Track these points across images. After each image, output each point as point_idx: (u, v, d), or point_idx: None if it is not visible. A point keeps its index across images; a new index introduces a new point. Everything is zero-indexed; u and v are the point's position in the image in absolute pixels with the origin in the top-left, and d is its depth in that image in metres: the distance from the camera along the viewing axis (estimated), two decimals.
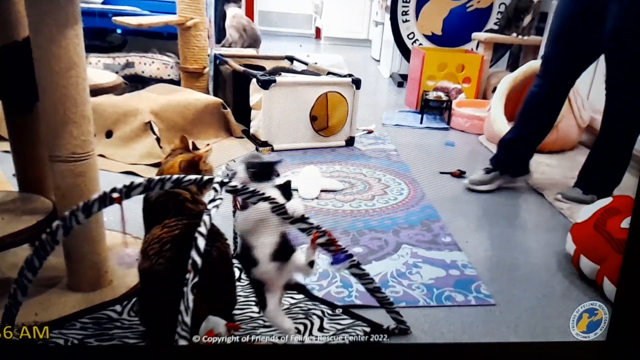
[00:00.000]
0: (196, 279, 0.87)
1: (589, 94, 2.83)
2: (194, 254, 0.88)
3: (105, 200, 0.94)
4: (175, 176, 0.96)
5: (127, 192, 0.95)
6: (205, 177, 0.99)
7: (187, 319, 0.86)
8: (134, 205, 1.08)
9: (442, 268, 1.48)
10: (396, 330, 1.16)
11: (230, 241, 1.14)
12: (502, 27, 3.79)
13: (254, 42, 4.15)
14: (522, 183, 2.26)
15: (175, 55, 3.04)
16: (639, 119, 1.91)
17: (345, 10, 6.96)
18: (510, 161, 2.13)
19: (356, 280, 1.11)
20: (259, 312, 1.20)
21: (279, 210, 1.00)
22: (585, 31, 1.86)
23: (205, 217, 0.93)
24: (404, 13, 4.17)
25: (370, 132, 2.91)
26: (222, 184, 0.97)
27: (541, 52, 3.55)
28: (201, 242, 0.90)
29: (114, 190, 0.94)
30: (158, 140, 2.19)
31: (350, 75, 2.61)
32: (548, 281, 1.47)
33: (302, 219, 1.01)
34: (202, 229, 0.91)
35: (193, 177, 0.98)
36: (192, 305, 0.87)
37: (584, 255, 1.42)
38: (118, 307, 1.18)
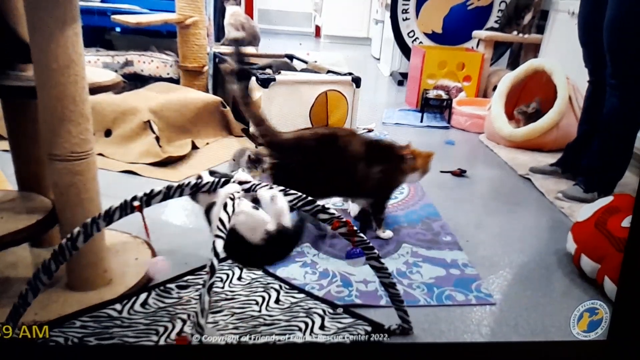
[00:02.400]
0: (212, 280, 0.87)
1: None
2: (212, 256, 0.89)
3: (127, 208, 0.95)
4: (193, 182, 0.98)
5: (147, 200, 0.96)
6: (223, 179, 1.01)
7: (203, 321, 0.86)
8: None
9: (442, 267, 1.47)
10: (397, 330, 1.15)
11: None
12: (503, 26, 3.78)
13: (253, 39, 4.15)
14: (524, 181, 2.26)
15: (174, 53, 3.03)
16: (639, 115, 1.91)
17: (345, 8, 6.96)
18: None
19: (374, 274, 1.10)
20: (259, 310, 1.20)
21: (301, 202, 1.00)
22: (597, 28, 1.89)
23: (224, 216, 0.94)
24: (404, 11, 4.16)
25: (370, 130, 2.91)
26: (240, 182, 1.00)
27: (542, 50, 3.55)
28: (219, 245, 0.89)
29: (134, 198, 0.95)
30: (157, 139, 2.18)
31: (350, 74, 2.61)
32: (548, 280, 1.47)
33: (323, 209, 1.01)
34: (221, 232, 0.91)
35: (211, 179, 1.00)
36: (207, 307, 0.87)
37: (584, 254, 1.42)
38: (118, 306, 1.18)
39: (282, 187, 1.00)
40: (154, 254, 1.40)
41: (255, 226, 0.99)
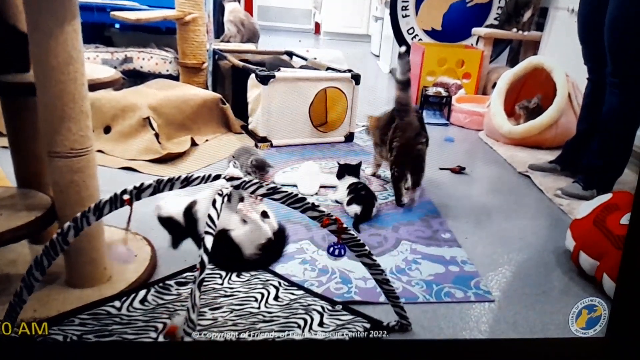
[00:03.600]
0: (203, 276, 0.88)
1: None
2: (202, 252, 0.89)
3: (116, 201, 0.95)
4: (183, 176, 0.98)
5: (137, 193, 0.96)
6: (214, 174, 1.01)
7: (194, 316, 0.87)
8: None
9: (441, 264, 1.48)
10: (396, 327, 1.16)
11: None
12: (502, 23, 3.78)
13: (253, 36, 4.14)
14: (523, 179, 2.27)
15: (173, 50, 3.03)
16: (639, 113, 1.91)
17: (345, 5, 6.94)
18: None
19: (367, 271, 1.10)
20: (258, 307, 1.20)
21: (290, 200, 1.00)
22: (597, 26, 1.89)
23: (212, 212, 0.94)
24: (403, 8, 4.16)
25: None
26: (229, 179, 0.99)
27: (541, 48, 3.55)
28: (209, 241, 0.90)
29: (124, 192, 0.95)
30: (157, 135, 2.18)
31: (349, 71, 2.61)
32: (547, 277, 1.47)
33: (313, 206, 1.01)
34: (210, 229, 0.91)
35: (200, 175, 1.00)
36: (198, 303, 0.87)
37: (583, 252, 1.42)
38: (117, 303, 1.18)
39: (273, 185, 1.00)
40: (153, 250, 1.41)
41: (256, 239, 1.01)
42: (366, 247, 1.06)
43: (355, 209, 1.74)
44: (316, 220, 1.02)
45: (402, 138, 1.85)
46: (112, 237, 1.42)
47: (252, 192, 1.00)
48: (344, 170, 1.90)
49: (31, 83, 1.09)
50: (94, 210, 0.95)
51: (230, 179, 1.00)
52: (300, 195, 1.00)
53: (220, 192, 0.97)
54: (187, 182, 0.98)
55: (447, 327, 1.21)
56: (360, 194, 1.76)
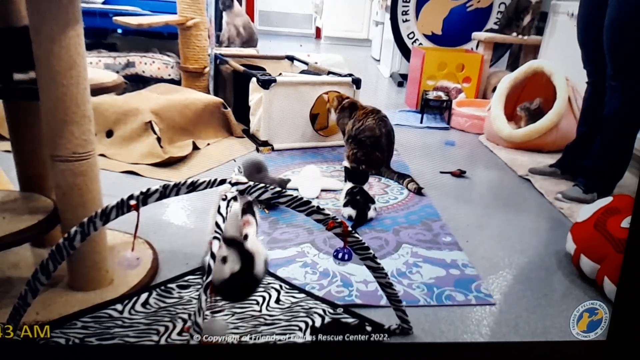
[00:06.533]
0: (209, 280, 0.88)
1: None
2: (208, 258, 0.89)
3: (123, 207, 0.96)
4: (190, 180, 0.99)
5: (144, 198, 0.96)
6: (219, 178, 1.01)
7: (200, 320, 0.87)
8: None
9: (442, 267, 1.48)
10: (397, 330, 1.16)
11: None
12: (502, 27, 3.79)
13: (250, 39, 4.15)
14: (524, 182, 2.27)
15: (175, 55, 3.04)
16: (639, 116, 1.91)
17: (346, 10, 6.96)
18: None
19: (371, 274, 1.10)
20: (259, 310, 1.20)
21: (295, 203, 1.01)
22: (597, 29, 1.90)
23: (218, 218, 0.94)
24: (404, 13, 4.17)
25: None
26: (234, 184, 1.00)
27: (541, 52, 3.56)
28: (215, 246, 0.90)
29: (131, 197, 0.96)
30: (159, 139, 2.19)
31: (350, 75, 2.61)
32: (548, 281, 1.47)
33: (318, 209, 1.01)
34: (218, 234, 0.92)
35: (206, 179, 1.01)
36: (205, 307, 0.88)
37: (584, 255, 1.42)
38: (119, 306, 1.19)
39: (278, 189, 1.00)
40: (154, 253, 1.41)
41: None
42: (371, 251, 1.06)
43: (349, 211, 1.75)
44: (321, 223, 1.02)
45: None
46: (115, 241, 1.43)
47: (257, 197, 1.00)
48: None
49: (34, 87, 1.10)
50: (101, 215, 0.95)
51: (236, 183, 1.00)
52: (305, 199, 1.01)
53: (224, 197, 0.98)
54: (193, 187, 0.99)
55: (448, 330, 1.21)
56: (356, 199, 1.77)
